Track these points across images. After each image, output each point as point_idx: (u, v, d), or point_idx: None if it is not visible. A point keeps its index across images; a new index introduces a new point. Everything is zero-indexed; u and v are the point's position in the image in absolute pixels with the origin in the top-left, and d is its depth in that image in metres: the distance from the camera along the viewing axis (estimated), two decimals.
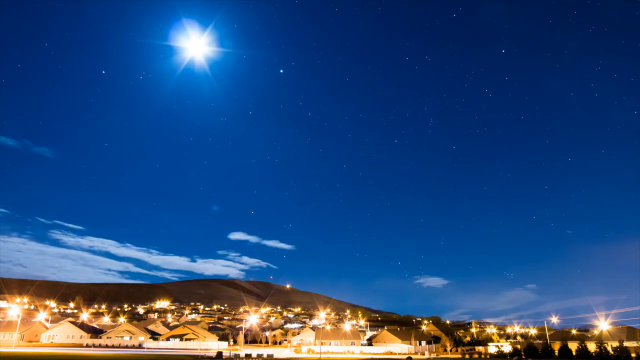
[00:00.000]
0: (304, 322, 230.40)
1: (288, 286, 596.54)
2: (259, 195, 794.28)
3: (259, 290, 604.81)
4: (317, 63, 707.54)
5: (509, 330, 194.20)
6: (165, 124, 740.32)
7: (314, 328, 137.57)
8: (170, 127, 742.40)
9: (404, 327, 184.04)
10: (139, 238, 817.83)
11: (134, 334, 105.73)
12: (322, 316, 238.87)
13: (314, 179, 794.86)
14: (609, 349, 76.94)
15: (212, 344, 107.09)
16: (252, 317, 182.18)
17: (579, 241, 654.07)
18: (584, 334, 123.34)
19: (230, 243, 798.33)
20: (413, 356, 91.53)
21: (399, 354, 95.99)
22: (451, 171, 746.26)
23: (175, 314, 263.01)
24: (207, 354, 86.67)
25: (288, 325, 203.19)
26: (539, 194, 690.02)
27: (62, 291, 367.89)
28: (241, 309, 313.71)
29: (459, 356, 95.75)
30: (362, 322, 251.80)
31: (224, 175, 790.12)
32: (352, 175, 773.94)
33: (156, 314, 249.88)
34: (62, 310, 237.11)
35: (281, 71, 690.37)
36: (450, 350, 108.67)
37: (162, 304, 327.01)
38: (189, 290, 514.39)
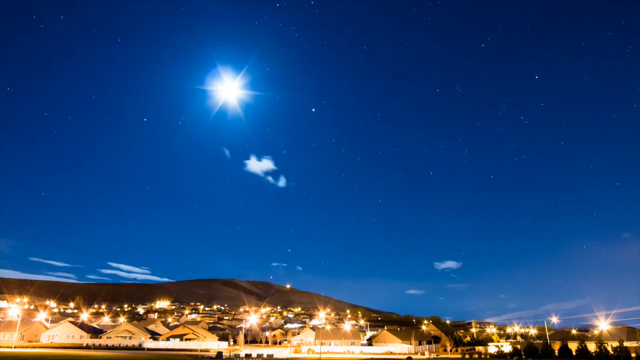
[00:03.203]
0: (304, 322, 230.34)
1: (288, 286, 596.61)
2: (295, 232, 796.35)
3: (259, 290, 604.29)
4: (348, 100, 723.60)
5: (509, 330, 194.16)
6: (202, 166, 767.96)
7: (314, 328, 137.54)
8: (207, 168, 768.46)
9: (404, 327, 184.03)
10: (179, 273, 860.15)
11: (134, 334, 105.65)
12: (322, 316, 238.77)
13: (350, 214, 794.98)
14: (609, 349, 76.93)
15: (212, 344, 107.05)
16: (252, 317, 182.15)
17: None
18: (584, 334, 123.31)
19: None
20: (413, 356, 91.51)
21: (399, 354, 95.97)
22: (490, 200, 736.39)
23: (175, 314, 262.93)
24: (207, 354, 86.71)
25: (288, 325, 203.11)
26: (588, 220, 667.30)
27: (62, 291, 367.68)
28: (241, 309, 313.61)
29: (459, 356, 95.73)
30: (362, 322, 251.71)
31: (260, 214, 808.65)
32: (388, 209, 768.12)
33: (156, 314, 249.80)
34: (62, 310, 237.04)
35: (313, 110, 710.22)
36: (450, 350, 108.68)
37: (162, 304, 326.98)
38: (189, 290, 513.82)
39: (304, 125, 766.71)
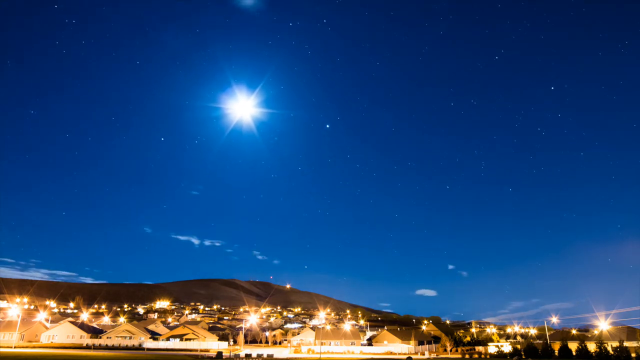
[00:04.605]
0: (304, 322, 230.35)
1: (288, 286, 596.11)
2: (312, 248, 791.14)
3: (259, 290, 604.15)
4: (362, 115, 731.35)
5: (509, 330, 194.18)
6: (218, 185, 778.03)
7: (314, 328, 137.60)
8: (223, 187, 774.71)
9: (404, 327, 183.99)
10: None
11: (134, 334, 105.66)
12: (322, 316, 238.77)
13: (366, 229, 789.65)
14: (609, 349, 76.94)
15: (212, 344, 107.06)
16: (252, 317, 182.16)
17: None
18: (584, 334, 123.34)
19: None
20: (413, 356, 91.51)
21: (399, 354, 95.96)
22: (509, 213, 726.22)
23: (175, 314, 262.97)
24: (207, 354, 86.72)
25: (288, 325, 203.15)
26: (613, 232, 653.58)
27: (62, 291, 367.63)
28: (241, 309, 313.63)
29: (459, 356, 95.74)
30: (362, 322, 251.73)
31: (276, 231, 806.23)
32: (405, 224, 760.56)
33: (156, 314, 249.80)
34: (62, 310, 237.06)
35: (327, 126, 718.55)
36: (450, 350, 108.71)
37: (162, 304, 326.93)
38: (189, 290, 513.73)
39: (319, 142, 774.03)
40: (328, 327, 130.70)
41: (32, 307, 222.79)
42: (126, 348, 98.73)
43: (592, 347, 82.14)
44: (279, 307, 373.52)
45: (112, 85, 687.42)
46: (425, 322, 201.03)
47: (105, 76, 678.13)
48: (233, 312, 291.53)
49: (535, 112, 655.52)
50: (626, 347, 75.00)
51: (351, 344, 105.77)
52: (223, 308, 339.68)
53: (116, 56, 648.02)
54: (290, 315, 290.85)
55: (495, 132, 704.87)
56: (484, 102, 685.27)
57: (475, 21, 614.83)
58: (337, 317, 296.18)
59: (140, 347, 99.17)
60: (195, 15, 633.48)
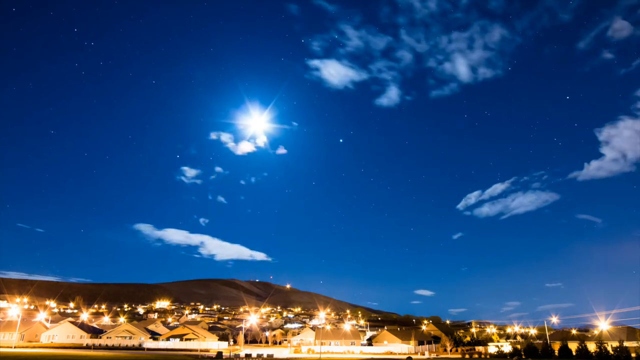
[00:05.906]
0: (304, 322, 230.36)
1: (288, 286, 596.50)
2: (327, 264, 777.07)
3: (259, 290, 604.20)
4: (376, 129, 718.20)
5: (509, 330, 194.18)
6: (233, 200, 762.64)
7: (314, 328, 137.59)
8: (238, 203, 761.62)
9: (404, 327, 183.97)
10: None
11: (134, 334, 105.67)
12: (322, 316, 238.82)
13: (382, 244, 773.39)
14: (609, 349, 76.97)
15: (212, 344, 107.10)
16: (252, 317, 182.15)
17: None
18: (584, 334, 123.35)
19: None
20: (413, 356, 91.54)
21: (399, 354, 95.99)
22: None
23: (175, 314, 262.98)
24: (207, 354, 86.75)
25: (288, 325, 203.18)
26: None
27: (62, 291, 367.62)
28: (241, 309, 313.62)
29: (459, 356, 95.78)
30: (362, 322, 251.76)
31: (291, 246, 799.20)
32: (419, 236, 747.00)
33: (156, 314, 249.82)
34: (62, 310, 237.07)
35: (341, 140, 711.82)
36: (450, 350, 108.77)
37: (162, 304, 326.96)
38: (189, 290, 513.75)
39: (332, 156, 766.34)
40: (328, 327, 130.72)
41: (32, 307, 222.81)
42: (126, 348, 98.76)
43: (592, 347, 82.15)
44: (279, 307, 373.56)
45: (128, 105, 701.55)
46: (425, 322, 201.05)
47: (122, 95, 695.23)
48: (233, 312, 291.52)
49: (551, 121, 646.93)
50: (626, 347, 75.04)
51: (351, 344, 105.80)
52: (223, 308, 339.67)
53: (133, 76, 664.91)
54: (290, 315, 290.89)
55: (510, 144, 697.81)
56: (497, 113, 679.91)
57: (486, 31, 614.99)
58: (337, 317, 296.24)
59: (140, 347, 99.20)
60: (208, 34, 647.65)
